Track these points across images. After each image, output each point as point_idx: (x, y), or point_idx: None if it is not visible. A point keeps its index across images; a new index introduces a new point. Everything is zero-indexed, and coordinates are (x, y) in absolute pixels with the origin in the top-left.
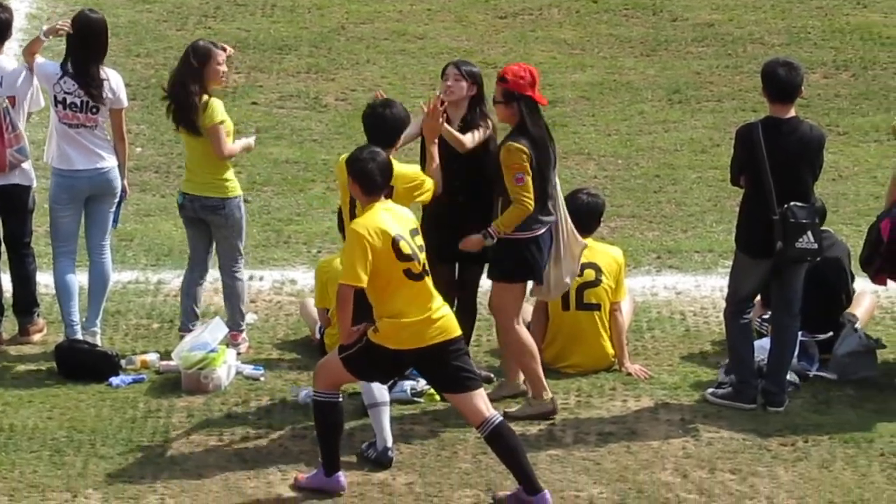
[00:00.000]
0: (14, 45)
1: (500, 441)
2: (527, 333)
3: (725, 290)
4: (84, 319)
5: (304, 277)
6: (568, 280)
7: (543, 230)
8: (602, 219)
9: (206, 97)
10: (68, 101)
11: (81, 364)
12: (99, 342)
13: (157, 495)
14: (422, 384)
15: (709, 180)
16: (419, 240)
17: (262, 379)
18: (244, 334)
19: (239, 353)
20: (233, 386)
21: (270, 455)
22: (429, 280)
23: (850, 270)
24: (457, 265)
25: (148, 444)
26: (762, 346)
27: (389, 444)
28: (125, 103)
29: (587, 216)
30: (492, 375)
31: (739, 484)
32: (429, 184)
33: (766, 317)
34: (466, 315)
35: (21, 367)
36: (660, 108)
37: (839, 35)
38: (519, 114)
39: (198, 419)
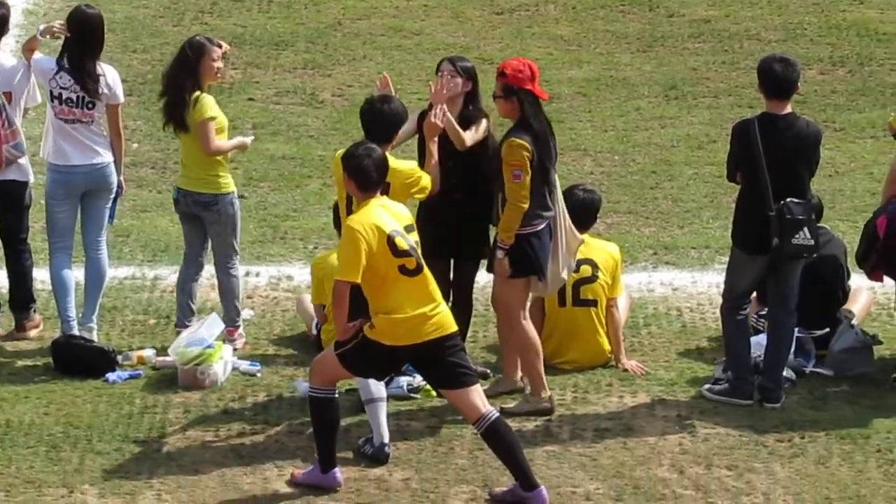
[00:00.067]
0: (11, 40)
1: (496, 437)
2: (533, 330)
3: (722, 287)
4: (80, 315)
5: (301, 273)
6: (564, 276)
7: (543, 225)
8: (598, 215)
9: (197, 93)
10: (64, 97)
11: (78, 360)
12: (95, 338)
13: (153, 491)
14: (418, 380)
15: (705, 176)
16: (414, 236)
17: (258, 375)
18: (241, 330)
19: (235, 349)
20: (229, 382)
21: (267, 451)
22: (424, 276)
23: (846, 267)
24: (452, 261)
25: (144, 439)
26: (759, 342)
27: (386, 440)
28: (121, 99)
29: (584, 212)
30: (488, 371)
31: (736, 480)
32: (425, 180)
33: (762, 313)
34: (462, 311)
35: (17, 363)
36: (656, 104)
37: (836, 31)
38: (520, 108)
39: (194, 415)
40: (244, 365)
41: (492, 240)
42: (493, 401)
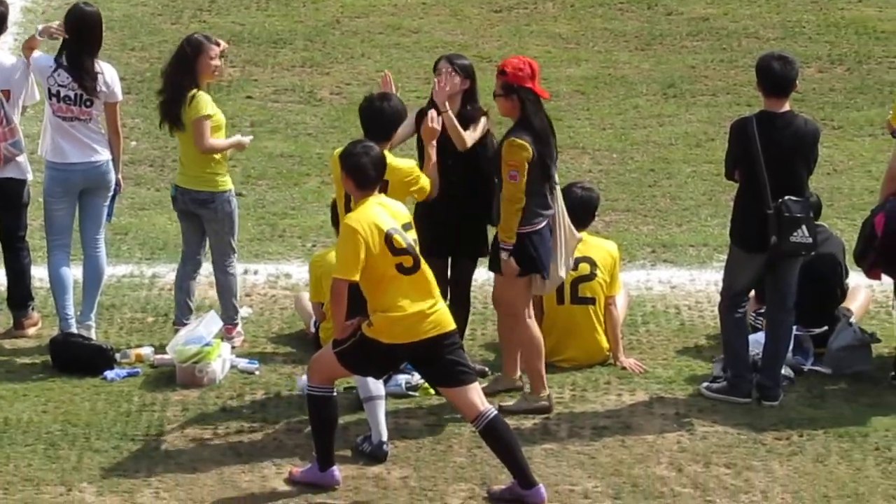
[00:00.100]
0: (9, 38)
1: (494, 435)
2: (537, 329)
3: (720, 285)
4: (79, 313)
5: (299, 271)
6: (563, 273)
7: (543, 223)
8: (597, 213)
9: (194, 90)
10: (62, 94)
11: (76, 358)
12: (93, 336)
13: (151, 489)
14: (416, 378)
15: (703, 174)
16: (412, 234)
17: (256, 373)
18: (239, 328)
19: (234, 347)
20: (227, 380)
21: (265, 449)
22: (423, 274)
23: (844, 265)
24: (449, 260)
25: (143, 437)
26: (757, 340)
27: (384, 438)
28: (120, 97)
29: (582, 210)
30: (486, 369)
31: (734, 478)
32: (424, 181)
33: (761, 311)
34: (460, 309)
35: (16, 361)
36: (654, 102)
37: (834, 29)
38: (520, 107)
39: (192, 413)
40: (242, 363)
41: (490, 239)
42: (491, 399)
